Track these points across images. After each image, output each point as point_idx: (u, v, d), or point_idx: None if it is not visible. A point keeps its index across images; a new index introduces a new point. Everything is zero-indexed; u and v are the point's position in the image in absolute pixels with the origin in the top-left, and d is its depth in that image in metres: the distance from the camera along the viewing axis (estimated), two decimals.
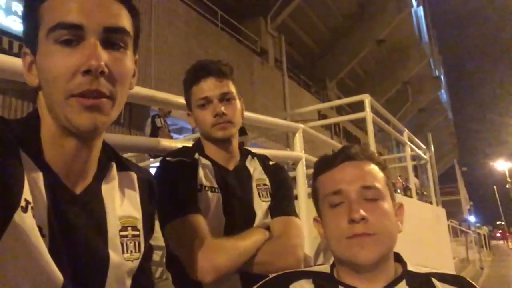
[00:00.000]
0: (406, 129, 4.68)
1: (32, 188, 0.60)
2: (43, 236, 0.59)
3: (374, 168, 0.85)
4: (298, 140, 2.22)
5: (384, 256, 0.79)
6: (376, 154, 0.91)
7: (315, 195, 0.90)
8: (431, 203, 6.06)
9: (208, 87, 1.21)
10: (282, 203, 1.28)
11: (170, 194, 1.12)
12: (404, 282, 0.79)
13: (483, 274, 11.09)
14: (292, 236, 1.19)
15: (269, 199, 1.28)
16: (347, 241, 0.78)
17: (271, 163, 1.38)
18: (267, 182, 1.31)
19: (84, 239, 0.66)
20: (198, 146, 1.29)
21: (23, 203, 0.56)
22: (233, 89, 1.24)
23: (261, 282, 0.88)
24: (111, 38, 0.64)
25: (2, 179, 0.55)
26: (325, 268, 0.87)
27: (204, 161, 1.23)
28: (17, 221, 0.55)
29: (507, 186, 39.72)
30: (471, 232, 15.80)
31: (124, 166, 0.78)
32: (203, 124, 1.23)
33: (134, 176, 0.79)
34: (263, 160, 1.37)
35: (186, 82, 1.27)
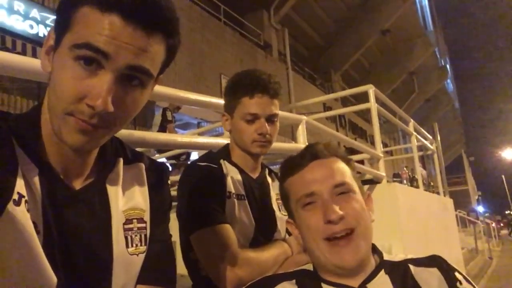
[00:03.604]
0: (412, 120, 4.65)
1: (27, 183, 0.60)
2: (37, 232, 0.59)
3: (340, 164, 0.88)
4: (301, 132, 2.22)
5: (367, 251, 0.81)
6: (340, 149, 0.93)
7: (284, 197, 0.91)
8: (438, 193, 6.03)
9: (260, 105, 1.21)
10: None
11: (198, 201, 1.14)
12: (383, 271, 0.81)
13: (492, 264, 11.03)
14: None
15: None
16: (327, 244, 0.79)
17: None
18: None
19: (84, 235, 0.65)
20: (224, 152, 1.30)
21: (15, 196, 0.56)
22: (278, 110, 1.26)
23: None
24: (131, 74, 0.61)
25: None
26: (309, 266, 0.88)
27: (230, 167, 1.25)
28: (10, 214, 0.55)
29: None
30: (479, 222, 15.72)
31: (132, 158, 0.78)
32: (244, 137, 1.23)
33: (143, 166, 0.78)
34: (277, 176, 1.41)
35: (237, 89, 1.24)
